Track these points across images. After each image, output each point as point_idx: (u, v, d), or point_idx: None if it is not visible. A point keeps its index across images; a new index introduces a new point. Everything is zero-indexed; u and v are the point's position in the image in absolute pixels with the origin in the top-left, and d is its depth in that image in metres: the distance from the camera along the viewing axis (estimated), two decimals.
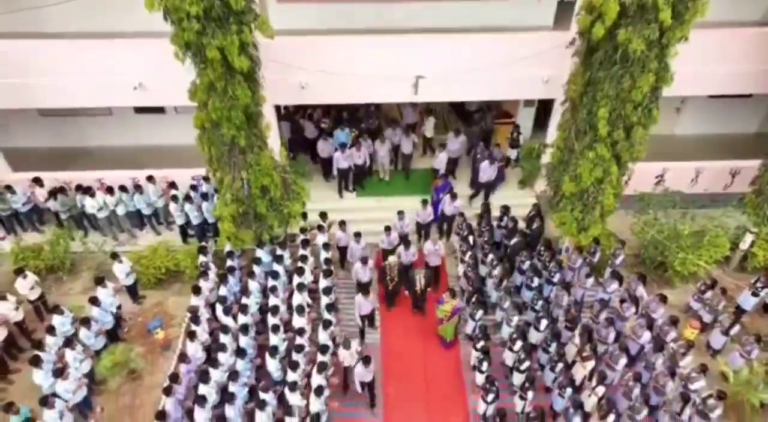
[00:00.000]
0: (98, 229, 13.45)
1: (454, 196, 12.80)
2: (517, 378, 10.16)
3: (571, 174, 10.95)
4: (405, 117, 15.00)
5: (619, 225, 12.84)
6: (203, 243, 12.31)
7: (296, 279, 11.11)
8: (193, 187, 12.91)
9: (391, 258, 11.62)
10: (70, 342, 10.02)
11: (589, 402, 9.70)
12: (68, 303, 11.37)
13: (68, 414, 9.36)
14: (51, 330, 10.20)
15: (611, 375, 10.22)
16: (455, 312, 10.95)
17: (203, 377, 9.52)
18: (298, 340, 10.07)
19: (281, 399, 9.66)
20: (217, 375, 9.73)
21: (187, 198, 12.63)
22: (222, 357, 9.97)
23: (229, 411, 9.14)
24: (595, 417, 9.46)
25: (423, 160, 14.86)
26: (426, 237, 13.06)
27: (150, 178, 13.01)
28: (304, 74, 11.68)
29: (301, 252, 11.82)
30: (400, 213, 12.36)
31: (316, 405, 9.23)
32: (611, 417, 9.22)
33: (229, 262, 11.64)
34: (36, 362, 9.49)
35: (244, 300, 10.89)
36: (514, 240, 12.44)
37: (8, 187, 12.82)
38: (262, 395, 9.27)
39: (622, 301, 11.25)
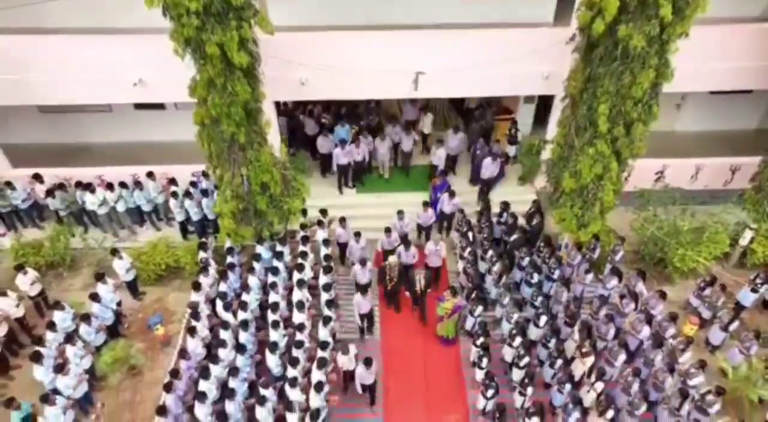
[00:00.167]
0: (98, 226, 13.45)
1: (452, 194, 12.78)
2: (517, 374, 10.19)
3: (571, 170, 10.94)
4: (405, 114, 14.98)
5: (619, 221, 12.84)
6: (203, 240, 12.32)
7: (296, 276, 11.12)
8: (193, 184, 12.92)
9: (392, 259, 11.57)
10: (70, 338, 10.04)
11: (588, 397, 9.74)
12: (68, 299, 11.39)
13: (70, 411, 9.40)
14: (51, 325, 10.23)
15: (610, 371, 10.25)
16: (456, 310, 10.95)
17: (203, 373, 9.55)
18: (298, 336, 10.10)
19: (281, 395, 9.69)
20: (217, 370, 9.75)
21: (187, 194, 12.64)
22: (222, 353, 9.99)
23: (229, 406, 9.17)
24: (594, 412, 9.49)
25: (423, 156, 14.85)
26: (427, 238, 13.00)
27: (150, 175, 13.01)
28: (303, 70, 11.66)
29: (301, 248, 11.83)
30: (400, 213, 12.32)
31: (316, 400, 9.26)
32: (610, 413, 9.26)
33: (229, 259, 11.66)
34: (37, 358, 9.52)
35: (244, 297, 10.91)
36: (513, 237, 12.45)
37: (8, 183, 12.82)
38: (263, 391, 9.30)
39: (621, 297, 11.26)
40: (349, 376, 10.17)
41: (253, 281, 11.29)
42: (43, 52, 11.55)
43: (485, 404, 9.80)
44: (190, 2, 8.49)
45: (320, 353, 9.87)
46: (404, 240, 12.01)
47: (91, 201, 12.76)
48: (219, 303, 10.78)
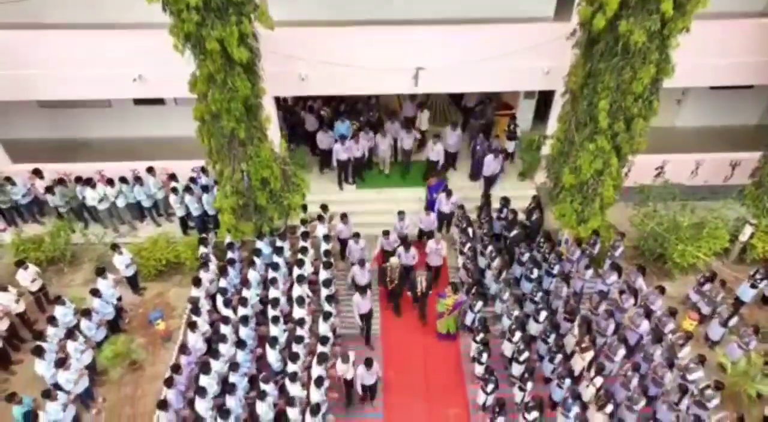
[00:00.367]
0: (98, 221, 13.46)
1: (449, 194, 12.72)
2: (517, 369, 10.22)
3: (571, 166, 10.94)
4: (405, 110, 14.96)
5: (619, 217, 12.85)
6: (203, 235, 12.34)
7: (296, 271, 11.14)
8: (193, 179, 12.92)
9: (393, 260, 11.46)
10: (71, 333, 10.07)
11: (588, 392, 9.78)
12: (69, 294, 11.39)
13: (71, 406, 9.44)
14: (52, 320, 10.25)
15: (609, 365, 10.28)
16: (457, 305, 10.97)
17: (204, 368, 9.58)
18: (299, 331, 10.12)
19: (282, 390, 9.72)
20: (217, 365, 9.79)
21: (187, 190, 12.64)
22: (223, 348, 10.02)
23: (230, 401, 9.21)
24: (593, 407, 9.53)
25: (422, 152, 14.81)
26: (428, 238, 12.78)
27: (150, 170, 13.00)
28: (303, 66, 11.64)
29: (302, 243, 11.84)
30: (401, 213, 12.27)
31: (316, 395, 9.30)
32: (609, 407, 9.30)
33: (229, 254, 11.68)
34: (39, 352, 9.55)
35: (244, 292, 10.93)
36: (513, 232, 12.45)
37: (8, 179, 12.82)
38: (263, 386, 9.34)
39: (621, 293, 11.28)
40: (349, 384, 10.08)
41: (253, 276, 11.31)
42: (42, 48, 11.52)
43: (485, 399, 9.84)
44: None
45: (320, 348, 9.89)
46: (404, 241, 11.93)
47: (91, 196, 12.76)
48: (219, 299, 10.80)
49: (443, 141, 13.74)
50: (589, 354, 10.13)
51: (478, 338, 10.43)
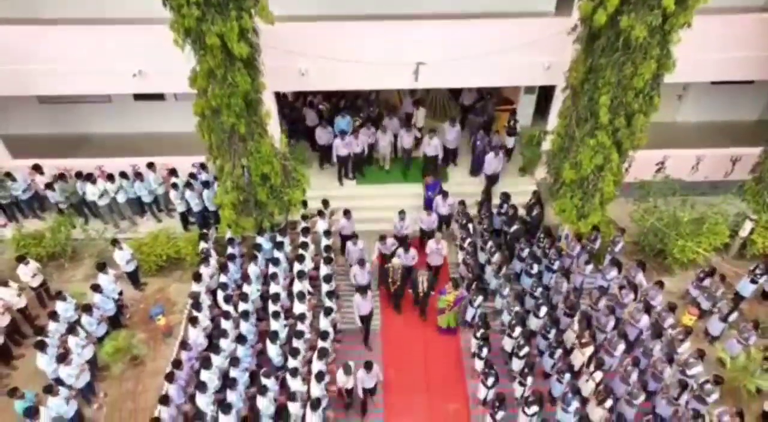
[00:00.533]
0: (99, 217, 13.47)
1: (445, 195, 12.62)
2: (517, 364, 10.25)
3: (571, 161, 10.94)
4: (405, 106, 14.94)
5: (619, 212, 12.87)
6: (204, 231, 12.35)
7: (297, 267, 11.15)
8: (193, 175, 12.91)
9: (395, 261, 11.36)
10: (72, 328, 10.08)
11: (587, 387, 9.81)
12: (70, 289, 11.41)
13: (72, 401, 9.47)
14: (54, 315, 10.27)
15: (609, 360, 10.32)
16: (457, 301, 10.99)
17: (205, 363, 9.61)
18: (299, 327, 10.14)
19: (283, 385, 9.75)
20: (218, 360, 9.82)
21: (188, 185, 12.64)
22: (223, 343, 10.05)
23: (231, 395, 9.25)
24: (592, 401, 9.57)
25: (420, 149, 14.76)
26: (429, 238, 12.67)
27: (150, 166, 13.00)
28: (304, 61, 11.62)
29: (302, 239, 11.85)
30: (401, 213, 12.19)
31: (316, 390, 9.33)
32: (609, 402, 9.33)
33: (229, 249, 11.69)
34: (41, 347, 9.57)
35: (244, 288, 10.95)
36: (513, 228, 12.46)
37: (8, 174, 12.82)
38: (264, 380, 9.37)
39: (621, 288, 11.30)
40: (349, 392, 9.99)
41: (253, 272, 11.32)
42: (42, 43, 11.50)
43: (486, 393, 9.87)
44: None
45: (321, 343, 9.92)
46: (403, 242, 11.86)
47: (91, 192, 12.76)
48: (220, 294, 10.82)
49: (442, 136, 13.71)
50: (589, 350, 10.16)
51: (478, 334, 10.46)
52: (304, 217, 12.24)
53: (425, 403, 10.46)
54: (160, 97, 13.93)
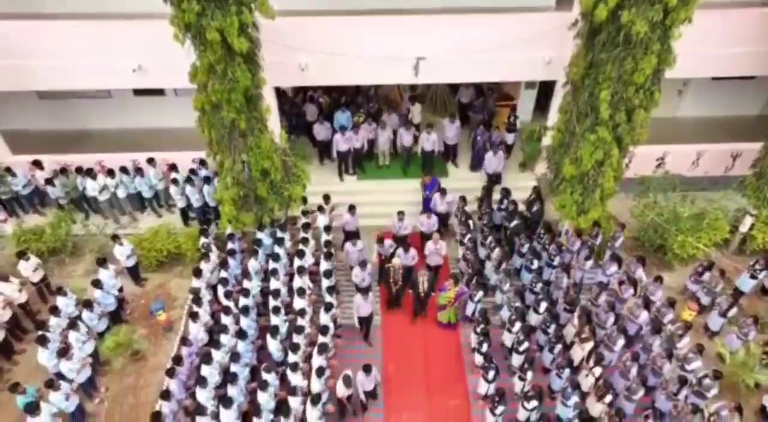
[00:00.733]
0: (99, 212, 13.47)
1: (443, 192, 12.57)
2: (516, 359, 10.28)
3: (571, 157, 10.93)
4: (405, 101, 14.91)
5: (619, 208, 12.87)
6: (204, 226, 12.35)
7: (297, 262, 11.16)
8: (193, 171, 12.91)
9: (395, 261, 11.25)
10: (73, 323, 10.10)
11: (587, 382, 9.84)
12: (70, 285, 11.44)
13: (74, 395, 9.51)
14: (55, 310, 10.29)
15: (609, 356, 10.34)
16: (458, 297, 10.99)
17: (205, 358, 9.64)
18: (299, 322, 10.16)
19: (283, 380, 9.78)
20: (219, 356, 9.84)
21: (188, 180, 12.64)
22: (224, 338, 10.07)
23: (232, 390, 9.27)
24: (592, 396, 9.60)
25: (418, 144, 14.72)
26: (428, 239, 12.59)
27: (150, 161, 13.00)
28: (304, 55, 11.59)
29: (302, 234, 11.85)
30: (400, 213, 12.13)
31: (316, 385, 9.36)
32: (608, 397, 9.36)
33: (229, 245, 11.70)
34: (42, 341, 9.59)
35: (245, 283, 10.97)
36: (513, 223, 12.46)
37: (8, 169, 12.82)
38: (265, 375, 9.40)
39: (620, 283, 11.31)
40: (348, 398, 9.88)
41: (253, 267, 11.34)
42: (42, 38, 11.46)
43: (487, 388, 9.89)
44: None
45: (321, 338, 9.94)
46: (402, 242, 11.79)
47: (92, 187, 12.76)
48: (220, 289, 10.84)
49: (441, 132, 13.69)
50: (589, 345, 10.18)
51: (478, 329, 10.48)
52: (305, 213, 12.23)
53: (425, 399, 10.49)
54: (160, 92, 13.91)
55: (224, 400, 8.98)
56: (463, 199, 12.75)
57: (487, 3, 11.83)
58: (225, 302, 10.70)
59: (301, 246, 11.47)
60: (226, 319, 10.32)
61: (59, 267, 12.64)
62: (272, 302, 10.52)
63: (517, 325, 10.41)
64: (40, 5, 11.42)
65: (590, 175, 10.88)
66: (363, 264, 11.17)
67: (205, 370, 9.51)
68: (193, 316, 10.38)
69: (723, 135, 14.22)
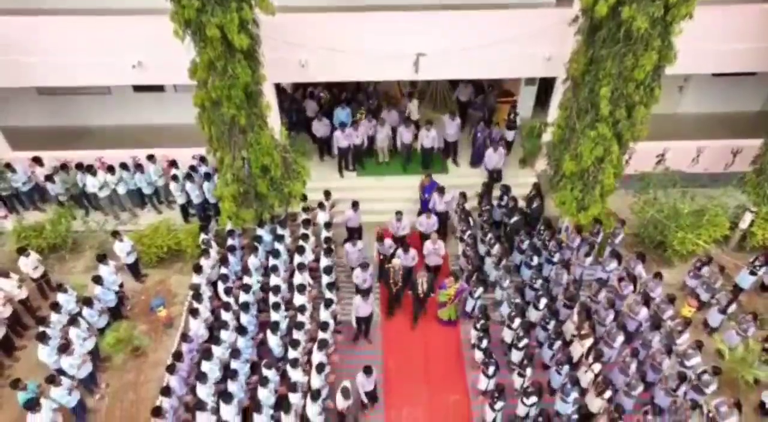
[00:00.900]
0: (99, 209, 13.48)
1: (441, 191, 12.49)
2: (516, 356, 10.30)
3: (572, 153, 10.93)
4: (405, 98, 14.86)
5: (619, 204, 12.87)
6: (204, 223, 12.35)
7: (297, 259, 11.17)
8: (193, 167, 12.90)
9: (395, 261, 11.12)
10: (74, 320, 10.12)
11: (586, 378, 9.86)
12: (71, 281, 11.46)
13: (75, 391, 9.53)
14: (55, 306, 10.31)
15: (608, 352, 10.36)
16: (458, 294, 11.00)
17: (206, 354, 9.66)
18: (299, 318, 10.18)
19: (283, 375, 9.81)
20: (219, 352, 9.86)
21: (188, 177, 12.64)
22: (224, 334, 10.09)
23: (232, 386, 9.30)
24: (591, 392, 9.62)
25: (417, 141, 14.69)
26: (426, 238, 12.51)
27: (151, 157, 13.00)
28: (304, 52, 11.57)
29: (302, 231, 11.86)
30: (398, 213, 12.07)
31: (316, 381, 9.38)
32: (608, 393, 9.39)
33: (230, 241, 11.71)
34: (42, 338, 9.61)
35: (245, 279, 10.98)
36: (513, 219, 12.46)
37: (8, 165, 12.81)
38: (265, 371, 9.42)
39: (620, 280, 11.33)
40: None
41: (253, 263, 11.34)
42: (41, 34, 11.44)
43: (487, 383, 9.91)
44: None
45: (321, 334, 9.96)
46: (402, 243, 11.73)
47: (92, 183, 12.76)
48: (221, 285, 10.85)
49: (442, 130, 13.66)
50: (588, 341, 10.20)
51: (478, 325, 10.49)
52: (306, 209, 12.24)
53: (425, 394, 10.51)
54: (159, 88, 13.88)
55: (224, 396, 9.01)
56: (463, 196, 12.73)
57: None
58: (225, 298, 10.72)
59: (301, 243, 11.48)
60: (226, 315, 10.34)
61: (59, 264, 12.65)
62: (272, 298, 10.54)
63: (517, 321, 10.43)
64: (40, 1, 11.40)
65: (590, 171, 10.88)
66: (364, 266, 11.13)
67: (205, 366, 9.54)
68: (194, 312, 10.40)
69: (723, 131, 14.20)
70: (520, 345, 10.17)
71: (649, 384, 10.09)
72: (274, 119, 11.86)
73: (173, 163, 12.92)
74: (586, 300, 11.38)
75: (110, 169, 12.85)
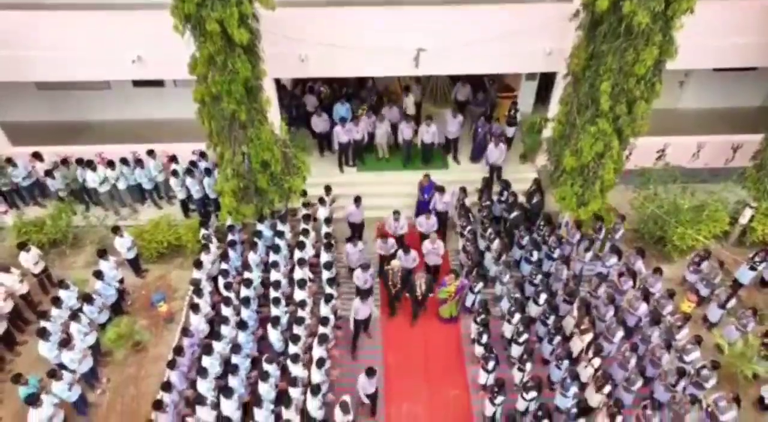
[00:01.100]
0: (99, 204, 13.48)
1: (441, 190, 12.43)
2: (516, 350, 10.33)
3: (572, 148, 10.92)
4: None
5: (619, 199, 12.87)
6: (205, 218, 12.35)
7: (297, 254, 11.18)
8: (193, 163, 12.89)
9: (395, 262, 11.05)
10: (75, 315, 10.14)
11: (586, 373, 9.89)
12: (71, 276, 11.49)
13: (76, 385, 9.57)
14: (56, 301, 10.33)
15: (608, 347, 10.39)
16: (458, 291, 11.01)
17: (206, 349, 9.69)
18: (300, 313, 10.20)
19: (284, 370, 9.84)
20: (219, 347, 9.89)
21: (188, 172, 12.63)
22: (224, 329, 10.12)
23: (233, 381, 9.33)
24: (591, 387, 9.65)
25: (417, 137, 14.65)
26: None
27: (151, 153, 12.98)
28: (304, 47, 11.54)
29: (302, 226, 11.86)
30: (396, 213, 12.00)
31: (317, 376, 9.41)
32: (607, 388, 9.42)
33: (230, 236, 11.72)
34: (43, 333, 9.63)
35: (246, 275, 10.99)
36: (513, 215, 12.47)
37: (9, 160, 12.80)
38: (266, 366, 9.45)
39: (620, 275, 11.34)
40: None
41: (253, 259, 11.35)
42: (41, 29, 11.40)
43: (487, 378, 9.94)
44: None
45: (321, 329, 9.98)
46: (402, 244, 11.71)
47: (92, 178, 12.75)
48: (221, 281, 10.87)
49: (443, 126, 13.64)
50: (588, 336, 10.23)
51: (478, 319, 10.52)
52: (306, 205, 12.24)
53: (426, 389, 10.54)
54: (159, 83, 13.86)
55: (225, 391, 9.04)
56: (463, 190, 12.73)
57: None
58: (225, 293, 10.74)
59: (301, 238, 11.49)
60: (226, 310, 10.36)
61: (60, 259, 12.66)
62: (273, 293, 10.55)
63: (517, 316, 10.45)
64: None
65: (590, 166, 10.88)
66: (365, 266, 11.10)
67: (206, 361, 9.57)
68: (194, 307, 10.42)
69: (724, 126, 14.19)
70: (520, 340, 10.20)
71: (648, 379, 10.12)
72: (274, 114, 11.84)
73: (173, 158, 12.91)
74: (586, 296, 11.39)
75: (110, 164, 12.84)
